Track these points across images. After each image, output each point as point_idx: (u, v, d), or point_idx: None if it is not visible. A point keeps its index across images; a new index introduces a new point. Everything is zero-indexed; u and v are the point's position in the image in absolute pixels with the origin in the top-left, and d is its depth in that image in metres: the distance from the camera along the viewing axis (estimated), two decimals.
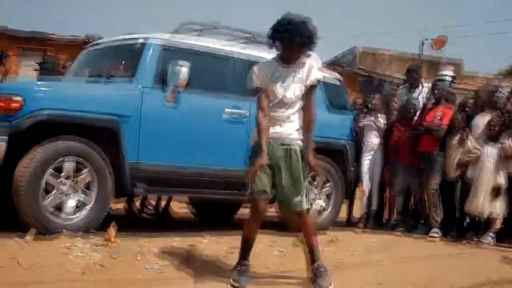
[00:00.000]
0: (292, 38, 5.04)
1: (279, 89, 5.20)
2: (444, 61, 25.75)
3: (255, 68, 5.36)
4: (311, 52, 5.21)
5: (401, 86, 9.96)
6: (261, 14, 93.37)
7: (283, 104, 5.22)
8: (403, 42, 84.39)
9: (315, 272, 5.30)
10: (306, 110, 5.30)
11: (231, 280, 5.13)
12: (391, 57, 27.16)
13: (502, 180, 8.31)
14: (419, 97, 9.44)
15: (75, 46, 17.43)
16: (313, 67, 5.25)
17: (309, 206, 5.36)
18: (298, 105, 5.27)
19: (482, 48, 75.14)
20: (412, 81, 9.72)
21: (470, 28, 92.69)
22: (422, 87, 9.56)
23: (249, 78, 5.35)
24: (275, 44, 5.17)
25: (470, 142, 8.47)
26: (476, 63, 79.19)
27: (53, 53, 17.06)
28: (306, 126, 5.30)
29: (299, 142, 5.25)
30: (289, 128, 5.23)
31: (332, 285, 5.22)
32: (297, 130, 5.27)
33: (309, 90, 5.28)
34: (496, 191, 8.27)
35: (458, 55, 47.47)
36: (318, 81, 5.30)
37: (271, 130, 5.17)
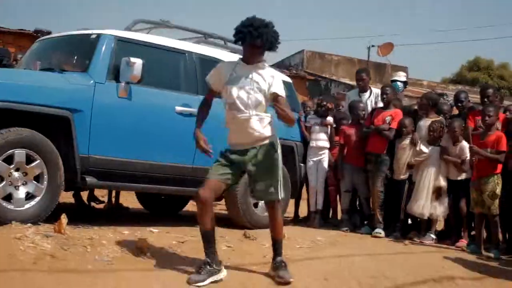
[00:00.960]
0: (254, 40, 5.32)
1: (234, 90, 5.44)
2: (389, 65, 26.19)
3: (217, 66, 5.70)
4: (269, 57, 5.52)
5: (351, 91, 10.11)
6: (217, 16, 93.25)
7: (243, 105, 5.43)
8: (350, 47, 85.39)
9: (279, 264, 5.57)
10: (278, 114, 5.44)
11: (189, 279, 5.24)
12: (339, 60, 27.48)
13: (442, 182, 8.56)
14: (367, 101, 9.60)
15: (23, 38, 17.29)
16: (277, 84, 5.49)
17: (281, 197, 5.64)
18: (261, 106, 5.48)
19: (427, 56, 76.55)
20: (360, 83, 9.82)
21: (415, 37, 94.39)
22: (371, 91, 9.70)
23: (209, 74, 5.67)
24: (238, 45, 5.57)
25: (419, 145, 8.71)
26: (421, 70, 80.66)
27: (1, 46, 16.86)
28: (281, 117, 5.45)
29: (267, 140, 5.51)
30: (254, 130, 5.46)
31: (292, 279, 5.49)
32: (263, 128, 5.50)
33: (275, 100, 5.46)
34: (437, 193, 8.53)
35: (403, 62, 48.38)
36: (277, 95, 5.46)
37: (237, 135, 5.50)
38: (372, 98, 9.64)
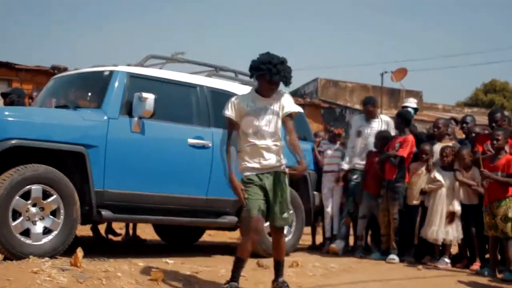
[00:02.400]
0: (272, 76, 5.65)
1: (255, 120, 5.75)
2: (403, 90, 26.25)
3: (233, 99, 5.93)
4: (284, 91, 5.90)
5: (357, 116, 10.18)
6: (227, 47, 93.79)
7: (262, 134, 5.74)
8: (364, 74, 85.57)
9: (281, 285, 5.90)
10: (290, 138, 5.85)
11: None
12: (352, 87, 27.62)
13: (456, 206, 8.63)
14: (378, 128, 9.62)
15: (40, 75, 17.55)
16: (288, 101, 5.87)
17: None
18: (277, 135, 5.81)
19: (441, 81, 76.51)
20: (367, 113, 9.80)
21: (428, 62, 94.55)
22: (380, 119, 9.73)
23: (226, 107, 5.89)
24: (253, 79, 5.87)
25: (434, 172, 8.81)
26: (435, 94, 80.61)
27: (18, 83, 17.10)
28: (292, 149, 5.84)
29: (282, 167, 5.83)
30: (272, 157, 5.79)
31: None
32: (279, 157, 5.83)
33: (287, 121, 5.84)
34: (450, 217, 8.60)
35: (417, 87, 48.49)
36: (291, 113, 5.88)
37: (256, 160, 5.77)
38: (381, 125, 9.66)
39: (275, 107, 5.82)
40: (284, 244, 6.07)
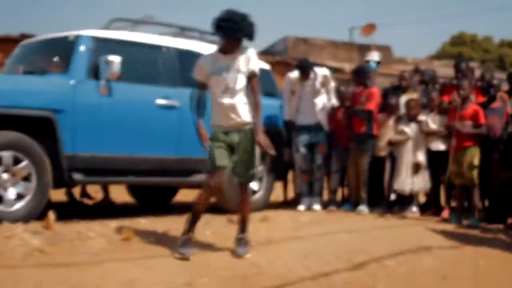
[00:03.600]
0: (233, 32, 5.70)
1: (220, 79, 5.83)
2: (373, 45, 26.31)
3: (198, 61, 6.03)
4: (248, 47, 5.96)
5: (291, 73, 9.87)
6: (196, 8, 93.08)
7: (228, 92, 5.82)
8: (333, 31, 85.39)
9: (237, 241, 5.98)
10: (252, 97, 5.94)
11: (177, 249, 5.65)
12: (322, 44, 27.62)
13: (420, 157, 8.82)
14: (316, 83, 9.47)
15: (10, 43, 17.39)
16: (252, 60, 5.91)
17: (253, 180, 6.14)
18: (242, 92, 5.88)
19: (410, 35, 76.67)
20: (303, 74, 9.51)
21: (397, 17, 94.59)
22: (315, 74, 9.52)
23: (194, 70, 6.02)
24: (216, 37, 5.89)
25: (401, 124, 8.98)
26: (405, 48, 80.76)
27: None
28: (254, 110, 5.93)
29: (249, 125, 5.90)
30: (238, 115, 5.85)
31: (249, 255, 5.86)
32: (246, 114, 5.89)
33: (250, 80, 5.91)
34: (416, 168, 8.79)
35: (387, 41, 48.59)
36: (254, 72, 5.91)
37: (223, 118, 5.87)
38: (318, 79, 9.50)
39: (239, 65, 5.87)
40: (249, 202, 6.14)
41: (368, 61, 10.24)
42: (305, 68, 9.47)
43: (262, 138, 5.86)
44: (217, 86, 5.84)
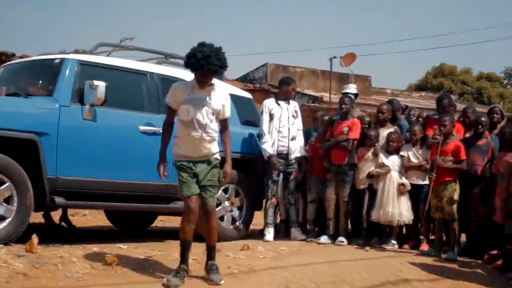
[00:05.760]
0: (203, 68, 5.82)
1: (191, 111, 5.94)
2: (352, 75, 26.53)
3: (173, 87, 6.14)
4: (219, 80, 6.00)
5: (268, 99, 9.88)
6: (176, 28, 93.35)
7: (198, 125, 5.94)
8: (313, 59, 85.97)
9: (209, 268, 6.03)
10: (223, 135, 6.25)
11: (164, 280, 5.66)
12: (302, 72, 27.83)
13: (405, 180, 8.93)
14: (287, 111, 9.44)
15: None
16: (226, 104, 6.17)
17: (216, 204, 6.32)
18: (212, 128, 6.03)
19: (390, 65, 77.54)
20: (285, 93, 9.56)
21: (377, 47, 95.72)
22: (289, 103, 9.53)
23: (168, 94, 6.14)
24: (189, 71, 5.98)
25: (380, 157, 9.05)
26: (384, 79, 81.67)
27: None
28: (224, 146, 6.23)
29: (215, 156, 6.08)
30: (205, 148, 6.01)
31: (222, 282, 5.90)
32: (213, 146, 6.07)
33: (224, 121, 6.19)
34: (399, 190, 8.86)
35: (366, 71, 49.04)
36: (227, 117, 6.24)
37: (189, 149, 5.99)
38: (291, 108, 9.51)
39: (213, 101, 6.04)
40: (216, 228, 6.21)
41: (346, 93, 10.28)
42: (289, 82, 9.63)
43: (229, 171, 6.20)
44: (187, 116, 5.95)
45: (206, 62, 5.79)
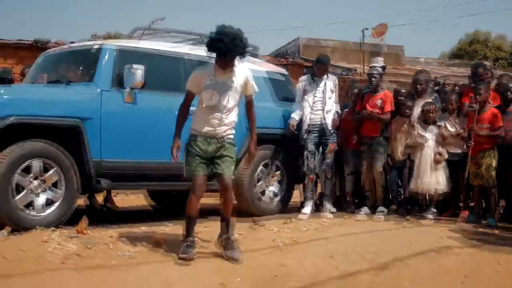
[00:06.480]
0: (231, 51, 5.85)
1: (215, 95, 5.99)
2: (384, 46, 26.38)
3: (194, 73, 6.21)
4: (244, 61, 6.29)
5: (304, 76, 9.98)
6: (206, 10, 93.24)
7: (218, 108, 6.00)
8: (344, 32, 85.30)
9: (225, 243, 6.06)
10: (249, 112, 6.31)
11: (180, 254, 5.76)
12: (334, 45, 27.74)
13: (441, 148, 9.02)
14: (325, 86, 9.51)
15: (22, 50, 17.56)
16: (249, 81, 6.16)
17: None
18: (232, 110, 6.09)
19: (423, 35, 76.78)
20: (321, 72, 9.59)
21: (409, 17, 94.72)
22: (327, 77, 9.60)
23: (189, 81, 6.19)
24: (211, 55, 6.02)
25: (417, 128, 9.14)
26: (417, 47, 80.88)
27: (2, 58, 17.14)
28: (250, 125, 6.35)
29: (231, 137, 6.13)
30: (222, 128, 6.05)
31: (240, 260, 5.88)
32: (230, 128, 6.12)
33: (248, 101, 6.23)
34: (436, 158, 8.97)
35: (398, 41, 48.62)
36: (251, 96, 6.25)
37: (206, 127, 6.03)
38: (331, 82, 9.58)
39: (235, 83, 6.06)
40: (232, 201, 6.22)
41: (373, 67, 10.28)
42: (325, 62, 9.64)
43: (253, 149, 6.37)
44: (210, 101, 5.99)
45: (234, 45, 5.83)
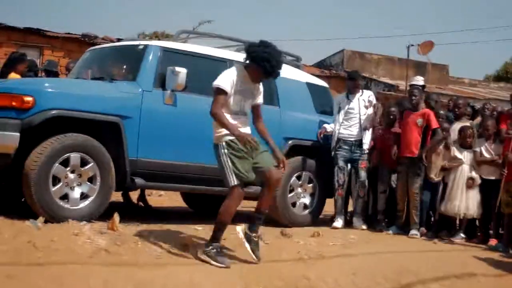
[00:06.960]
0: (269, 73, 6.11)
1: (241, 101, 6.16)
2: (429, 63, 26.22)
3: (230, 74, 6.16)
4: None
5: (339, 95, 10.11)
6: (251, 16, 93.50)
7: (241, 112, 6.17)
8: (390, 46, 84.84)
9: (248, 237, 6.22)
10: (259, 123, 6.45)
11: (216, 263, 5.86)
12: (379, 59, 27.66)
13: (474, 174, 9.00)
14: (358, 102, 9.59)
15: (70, 43, 17.88)
16: (261, 93, 6.38)
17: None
18: (248, 114, 6.28)
19: (468, 54, 76.09)
20: (352, 88, 9.72)
21: (456, 35, 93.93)
22: (362, 93, 9.68)
23: (223, 79, 6.13)
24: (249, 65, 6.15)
25: (453, 150, 9.13)
26: (462, 68, 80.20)
27: (50, 50, 17.48)
28: (263, 134, 6.42)
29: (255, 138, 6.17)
30: (248, 129, 6.21)
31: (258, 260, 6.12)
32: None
33: (258, 107, 6.39)
34: (468, 183, 8.97)
35: (444, 60, 48.20)
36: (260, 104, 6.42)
37: (241, 129, 6.09)
38: (364, 98, 9.65)
39: (255, 94, 6.29)
40: (274, 197, 6.42)
41: (413, 85, 10.27)
42: (355, 77, 9.76)
43: (280, 153, 6.37)
44: (237, 106, 6.13)
45: (277, 69, 6.10)
